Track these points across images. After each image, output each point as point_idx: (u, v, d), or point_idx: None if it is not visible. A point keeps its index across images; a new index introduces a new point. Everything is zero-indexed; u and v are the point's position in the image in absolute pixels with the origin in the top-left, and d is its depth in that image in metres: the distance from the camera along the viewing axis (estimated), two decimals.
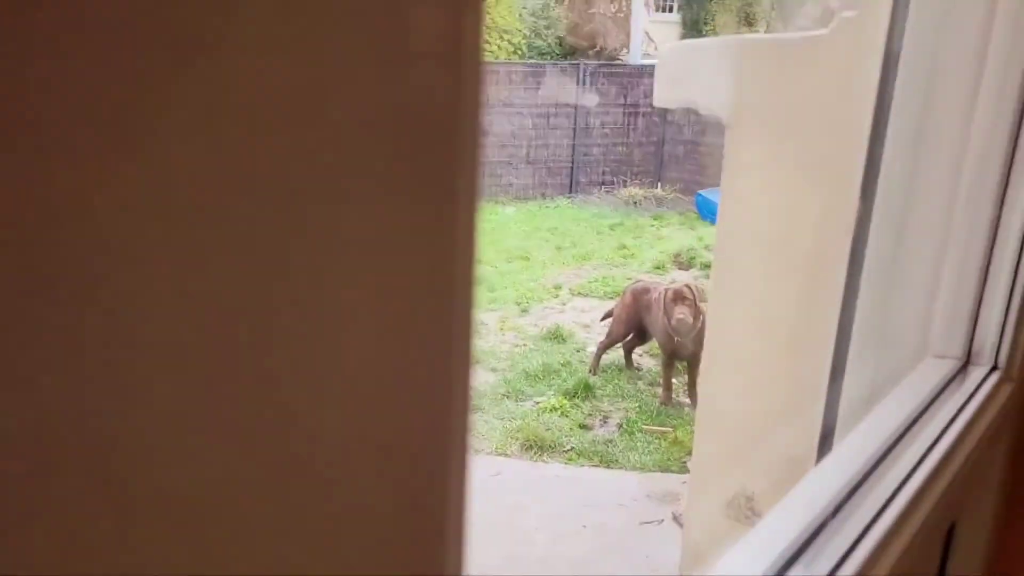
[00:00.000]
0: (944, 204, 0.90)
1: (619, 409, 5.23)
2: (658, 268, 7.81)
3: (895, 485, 0.66)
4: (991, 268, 0.84)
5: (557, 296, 7.13)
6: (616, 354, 5.82)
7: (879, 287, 0.95)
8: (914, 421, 0.76)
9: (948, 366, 0.86)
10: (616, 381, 5.52)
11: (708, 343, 1.22)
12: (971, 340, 0.88)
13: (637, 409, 5.21)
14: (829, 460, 0.71)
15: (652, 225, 9.43)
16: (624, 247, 8.53)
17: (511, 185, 10.53)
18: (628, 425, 4.89)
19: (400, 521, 0.24)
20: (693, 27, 13.56)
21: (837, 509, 0.63)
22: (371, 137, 0.20)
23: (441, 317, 0.24)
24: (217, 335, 0.18)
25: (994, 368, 0.87)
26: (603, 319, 6.08)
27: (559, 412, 5.03)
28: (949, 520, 0.82)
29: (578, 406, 5.14)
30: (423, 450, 0.24)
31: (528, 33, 12.34)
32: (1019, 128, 0.82)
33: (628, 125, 10.85)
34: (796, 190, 1.12)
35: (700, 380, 1.20)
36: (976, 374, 0.85)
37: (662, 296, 5.25)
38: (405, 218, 0.21)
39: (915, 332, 0.91)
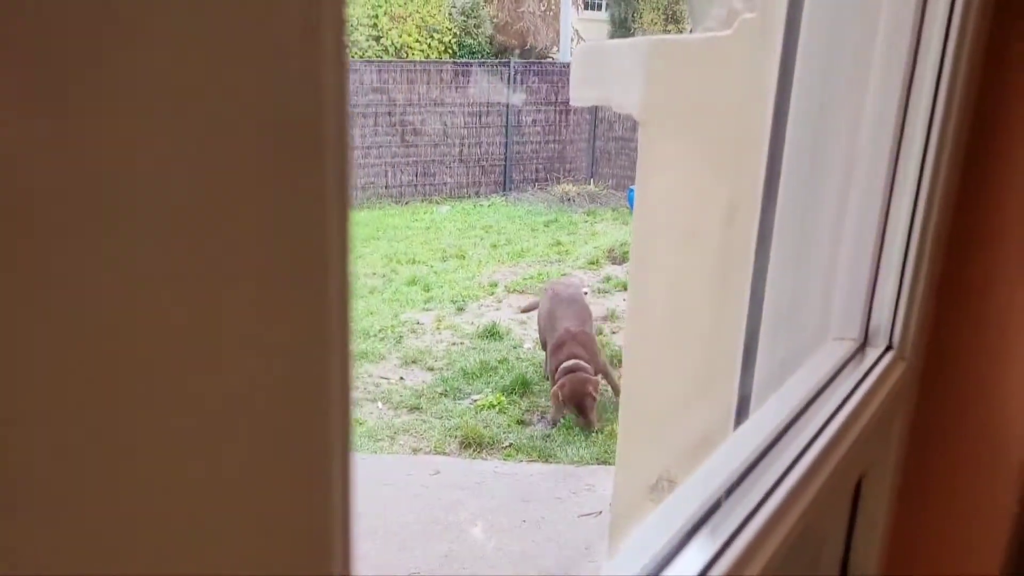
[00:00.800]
0: (839, 198, 0.95)
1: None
2: (592, 263, 7.89)
3: (801, 447, 0.71)
4: (882, 257, 0.90)
5: (493, 294, 7.16)
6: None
7: (784, 276, 1.00)
8: (817, 395, 0.81)
9: (847, 347, 0.91)
10: None
11: (628, 334, 1.26)
12: (867, 323, 0.93)
13: None
14: (738, 433, 0.75)
15: (586, 221, 9.53)
16: (559, 243, 8.60)
17: (445, 184, 10.52)
18: (566, 421, 4.93)
19: (284, 521, 0.24)
20: (622, 25, 13.74)
21: (747, 473, 0.68)
22: (234, 133, 0.21)
23: (316, 312, 0.25)
24: (94, 335, 0.19)
25: (888, 348, 0.92)
26: (524, 311, 6.11)
27: (497, 409, 5.05)
28: (856, 475, 0.88)
29: (516, 402, 5.17)
30: (304, 450, 0.25)
31: (458, 32, 12.34)
32: (903, 125, 0.87)
33: (559, 123, 10.95)
34: (705, 184, 1.16)
35: (623, 371, 1.24)
36: (872, 354, 0.91)
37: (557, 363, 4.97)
38: (274, 217, 0.22)
39: (818, 317, 0.96)
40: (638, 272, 1.20)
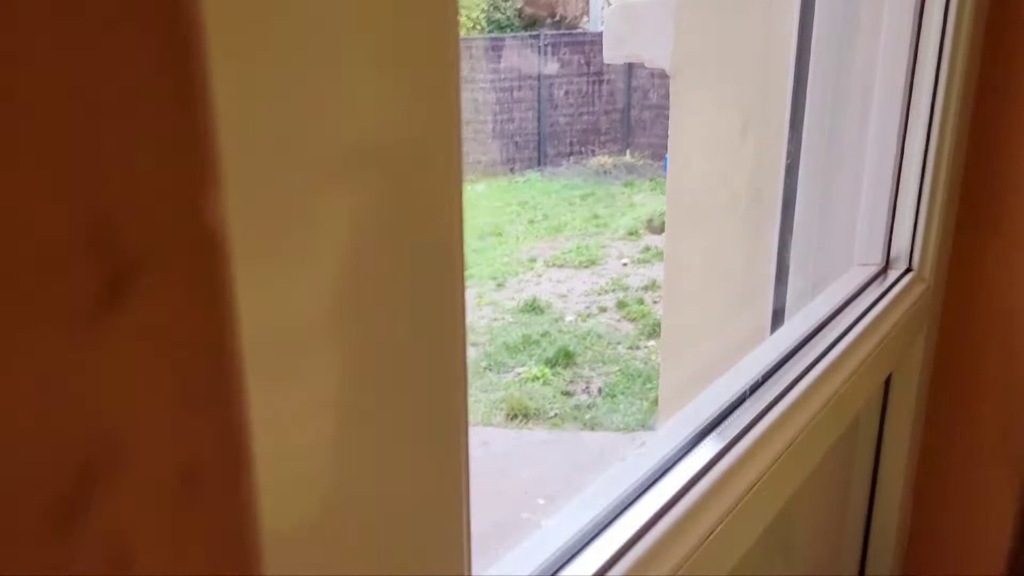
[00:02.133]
0: (859, 131, 0.99)
1: (600, 374, 5.31)
2: (631, 234, 7.88)
3: (830, 342, 0.78)
4: (900, 185, 0.94)
5: (532, 269, 7.19)
6: (594, 322, 5.91)
7: (811, 210, 1.04)
8: (844, 306, 0.87)
9: (870, 271, 0.96)
10: (596, 348, 5.62)
11: (667, 275, 1.31)
12: (888, 249, 0.98)
13: (618, 373, 5.30)
14: (773, 337, 0.81)
15: (623, 192, 9.48)
16: (596, 216, 8.59)
17: (479, 162, 10.53)
18: (610, 389, 4.97)
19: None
20: None
21: (781, 364, 0.74)
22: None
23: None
24: None
25: (908, 270, 0.97)
26: None
27: (541, 381, 5.12)
28: (884, 371, 0.94)
29: (559, 374, 5.23)
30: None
31: (486, 7, 12.31)
32: (916, 47, 0.91)
33: (593, 93, 10.87)
34: (735, 129, 1.20)
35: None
36: (893, 275, 0.95)
37: None
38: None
39: (843, 246, 1.01)
40: (673, 216, 1.25)
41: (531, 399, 5.02)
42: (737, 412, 0.69)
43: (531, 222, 8.53)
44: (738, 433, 0.66)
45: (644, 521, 0.54)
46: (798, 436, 0.69)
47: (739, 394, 0.70)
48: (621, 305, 6.27)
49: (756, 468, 0.63)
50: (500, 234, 8.16)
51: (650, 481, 0.59)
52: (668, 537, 0.54)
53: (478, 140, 10.48)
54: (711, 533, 0.57)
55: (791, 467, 0.69)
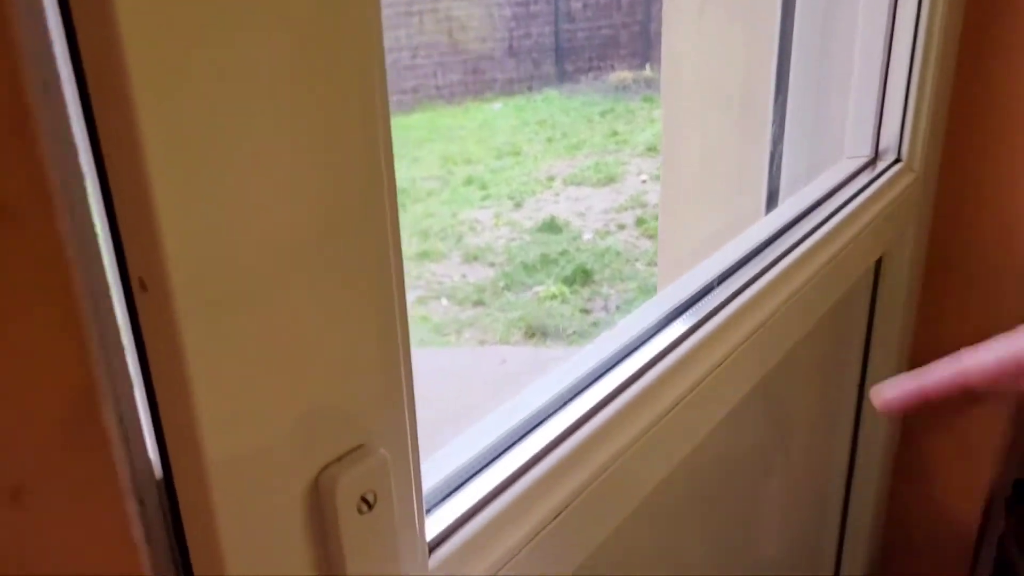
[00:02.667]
0: (849, 27, 0.97)
1: (618, 292, 5.33)
2: (651, 150, 7.79)
3: (818, 221, 0.79)
4: (889, 78, 0.93)
5: (550, 187, 7.15)
6: (613, 239, 5.90)
7: (802, 106, 1.03)
8: (833, 192, 0.87)
9: (859, 162, 0.96)
10: (614, 265, 5.63)
11: (664, 172, 1.31)
12: (877, 141, 0.97)
13: (636, 290, 5.32)
14: (754, 226, 0.83)
15: (643, 108, 9.33)
16: (616, 133, 8.48)
17: (496, 80, 10.38)
18: (628, 306, 4.99)
19: None
20: None
21: (771, 241, 0.76)
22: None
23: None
24: None
25: (897, 161, 0.96)
26: None
27: (559, 299, 5.15)
28: (875, 253, 0.95)
29: (577, 292, 5.25)
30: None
31: None
32: None
33: (611, 6, 10.60)
34: (726, 29, 1.18)
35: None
36: (881, 166, 0.95)
37: None
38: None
39: (834, 140, 1.00)
40: (670, 114, 1.24)
41: (549, 317, 5.06)
42: (716, 291, 0.70)
43: (549, 140, 8.45)
44: (714, 308, 0.67)
45: (609, 391, 0.56)
46: (779, 309, 0.71)
47: (719, 274, 0.71)
48: (639, 222, 6.24)
49: (732, 340, 0.65)
50: (518, 153, 8.09)
51: (623, 355, 0.61)
52: (632, 408, 0.56)
53: (494, 57, 10.29)
54: (680, 402, 0.59)
55: (773, 340, 0.71)
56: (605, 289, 5.34)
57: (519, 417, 0.52)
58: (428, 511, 0.45)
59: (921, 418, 1.25)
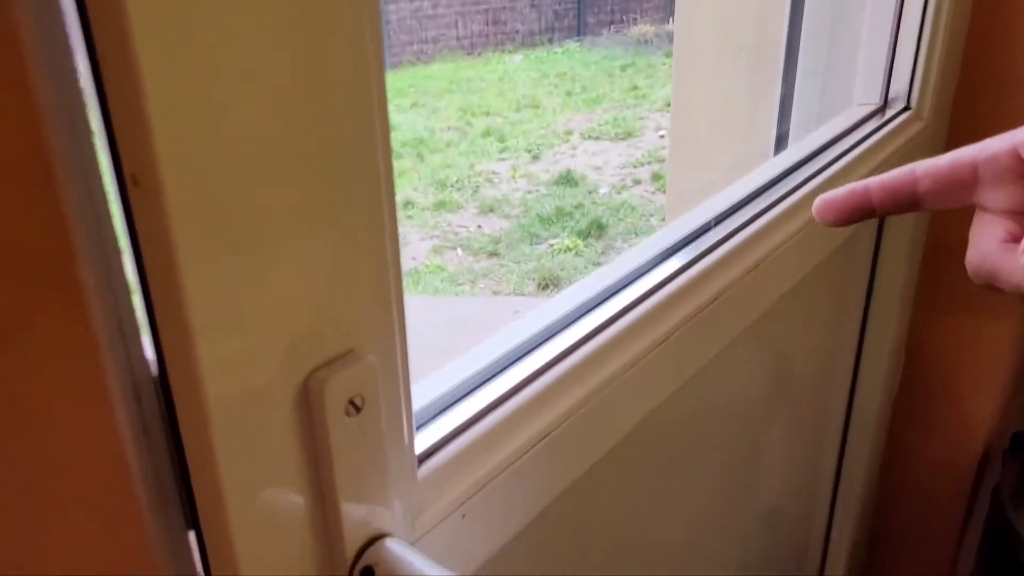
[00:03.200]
0: None
1: (632, 246, 5.32)
2: (670, 106, 7.71)
3: (823, 164, 0.79)
4: (901, 26, 0.92)
5: (568, 141, 7.11)
6: (628, 194, 5.88)
7: (814, 56, 1.03)
8: (840, 137, 0.87)
9: (867, 109, 0.95)
10: (629, 220, 5.62)
11: (673, 118, 1.31)
12: (887, 90, 0.96)
13: None
14: (759, 168, 0.83)
15: (664, 64, 9.21)
16: (636, 88, 8.40)
17: (517, 32, 10.26)
18: None
19: None
20: None
21: (777, 180, 0.76)
22: None
23: None
24: None
25: (906, 109, 0.96)
26: None
27: (573, 252, 5.15)
28: None
29: (592, 245, 5.25)
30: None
31: None
32: None
33: None
34: None
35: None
36: (890, 113, 0.95)
37: None
38: None
39: (843, 88, 1.00)
40: (681, 58, 1.23)
41: (563, 270, 5.07)
42: (715, 230, 0.71)
43: (568, 94, 8.38)
44: (711, 246, 0.68)
45: (602, 321, 0.57)
46: (778, 249, 0.71)
47: (720, 213, 0.72)
48: (655, 177, 6.21)
49: (729, 277, 0.66)
50: (537, 106, 8.04)
51: (618, 288, 0.62)
52: (623, 338, 0.57)
53: (515, 9, 10.17)
54: (671, 335, 0.60)
55: (771, 280, 0.72)
56: (619, 243, 5.33)
57: (514, 343, 0.54)
58: (420, 427, 0.46)
59: (921, 367, 1.26)
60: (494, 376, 0.51)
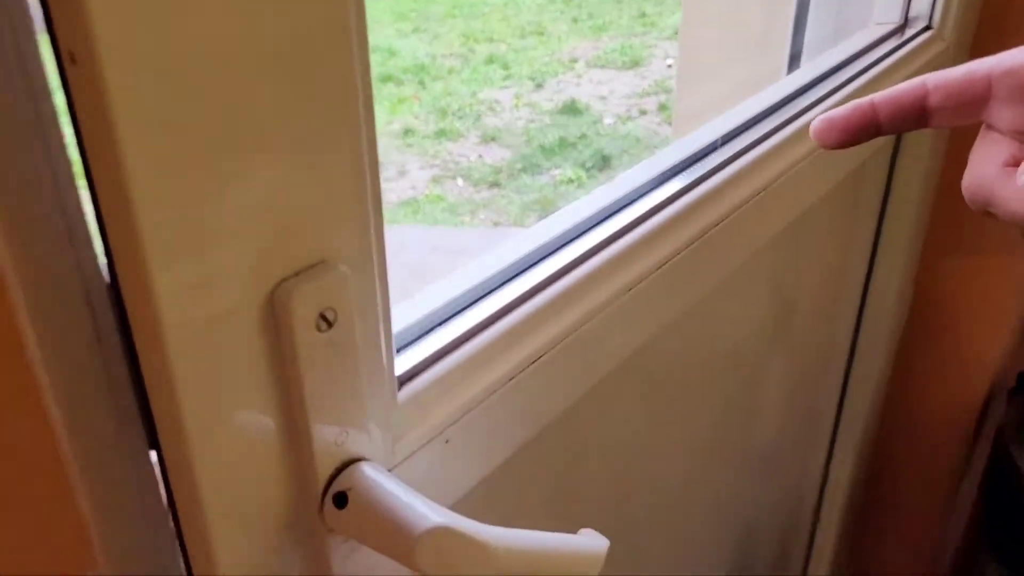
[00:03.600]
0: None
1: None
2: (678, 34, 7.55)
3: (838, 83, 0.75)
4: None
5: (573, 69, 6.98)
6: (633, 124, 5.80)
7: None
8: (855, 56, 0.83)
9: (887, 28, 0.91)
10: (634, 151, 5.54)
11: (683, 28, 1.26)
12: (908, 6, 0.91)
13: None
14: (786, 78, 0.79)
15: None
16: (644, 15, 8.21)
17: None
18: None
19: None
20: None
21: (789, 99, 0.73)
22: None
23: None
24: None
25: (927, 28, 0.91)
26: None
27: (576, 184, 5.10)
28: None
29: (595, 177, 5.20)
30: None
31: None
32: None
33: None
34: None
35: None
36: (910, 33, 0.90)
37: None
38: None
39: (861, 6, 0.95)
40: None
41: (565, 201, 5.02)
42: (737, 139, 0.68)
43: (575, 20, 8.19)
44: (716, 166, 0.65)
45: (597, 243, 0.54)
46: (789, 169, 0.68)
47: (726, 133, 0.69)
48: (662, 108, 6.12)
49: (733, 201, 0.63)
50: (542, 33, 7.87)
51: (615, 208, 0.59)
52: (618, 261, 0.54)
53: None
54: (671, 260, 0.57)
55: (778, 204, 0.69)
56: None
57: (505, 263, 0.51)
58: (402, 349, 0.44)
59: (928, 301, 1.23)
60: (482, 297, 0.48)
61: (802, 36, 0.95)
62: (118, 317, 0.30)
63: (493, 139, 5.87)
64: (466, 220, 5.07)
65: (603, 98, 6.30)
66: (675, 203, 0.59)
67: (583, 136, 5.78)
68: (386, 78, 6.69)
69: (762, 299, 0.85)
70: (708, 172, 0.62)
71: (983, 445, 1.31)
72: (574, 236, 0.54)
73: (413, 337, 0.45)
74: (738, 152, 0.64)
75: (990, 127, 0.45)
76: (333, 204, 0.32)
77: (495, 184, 5.37)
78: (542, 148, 5.66)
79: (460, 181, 5.43)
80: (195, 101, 0.27)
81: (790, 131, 0.68)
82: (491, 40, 7.67)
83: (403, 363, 0.43)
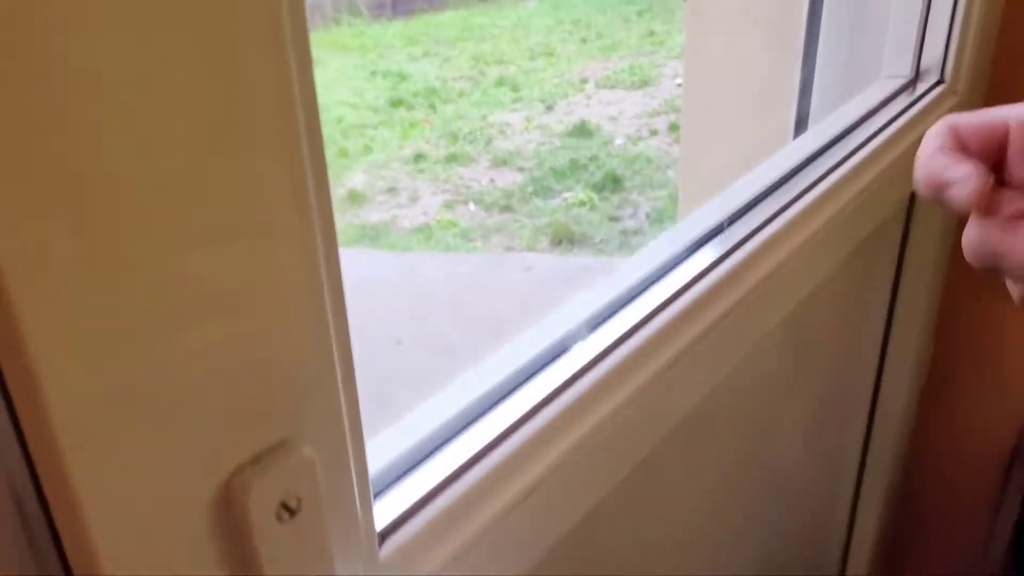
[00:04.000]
0: None
1: (649, 199, 5.24)
2: (682, 72, 7.54)
3: (849, 151, 0.72)
4: None
5: (583, 90, 6.98)
6: (645, 145, 5.77)
7: (839, 23, 0.94)
8: (865, 117, 0.80)
9: (897, 83, 0.87)
10: (645, 172, 5.51)
11: (686, 85, 1.23)
12: (918, 61, 0.88)
13: (667, 198, 5.22)
14: (786, 148, 0.76)
15: (682, 7, 9.00)
16: (653, 34, 8.21)
17: None
18: (658, 214, 4.91)
19: None
20: None
21: (796, 172, 0.69)
22: None
23: None
24: None
25: (940, 82, 0.88)
26: None
27: (588, 206, 5.07)
28: (907, 189, 0.88)
29: (607, 199, 5.17)
30: None
31: None
32: None
33: None
34: None
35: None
36: (922, 87, 0.87)
37: None
38: None
39: (871, 60, 0.92)
40: (694, 21, 1.15)
41: (577, 224, 5.01)
42: (746, 217, 0.65)
43: (583, 41, 8.19)
44: (744, 237, 0.62)
45: (642, 316, 0.51)
46: (809, 240, 0.65)
47: (749, 200, 0.66)
48: (673, 128, 6.10)
49: (761, 271, 0.60)
50: (551, 54, 7.87)
51: (648, 282, 0.56)
52: (665, 332, 0.51)
53: None
54: (708, 332, 0.54)
55: (799, 273, 0.66)
56: (635, 196, 5.24)
57: (497, 379, 0.48)
58: (381, 493, 0.41)
59: (951, 354, 1.19)
60: (470, 424, 0.45)
61: (810, 89, 0.91)
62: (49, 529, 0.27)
63: (504, 162, 5.86)
64: (478, 245, 5.06)
65: (613, 119, 6.29)
66: (686, 294, 0.56)
67: (594, 157, 5.77)
68: (397, 102, 6.71)
69: (781, 354, 0.82)
70: (718, 258, 0.59)
71: (1011, 499, 1.27)
72: (576, 339, 0.51)
73: (394, 477, 0.42)
74: (749, 233, 0.61)
75: (1000, 183, 0.41)
76: (296, 375, 0.29)
77: (507, 208, 5.36)
78: (553, 171, 5.65)
79: (472, 206, 5.43)
80: (110, 220, 0.24)
81: (805, 204, 0.65)
82: (501, 62, 7.69)
83: (384, 512, 0.40)
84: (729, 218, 0.62)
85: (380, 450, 0.41)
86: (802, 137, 0.77)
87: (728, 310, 0.56)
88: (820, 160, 0.71)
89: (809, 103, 0.94)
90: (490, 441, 0.44)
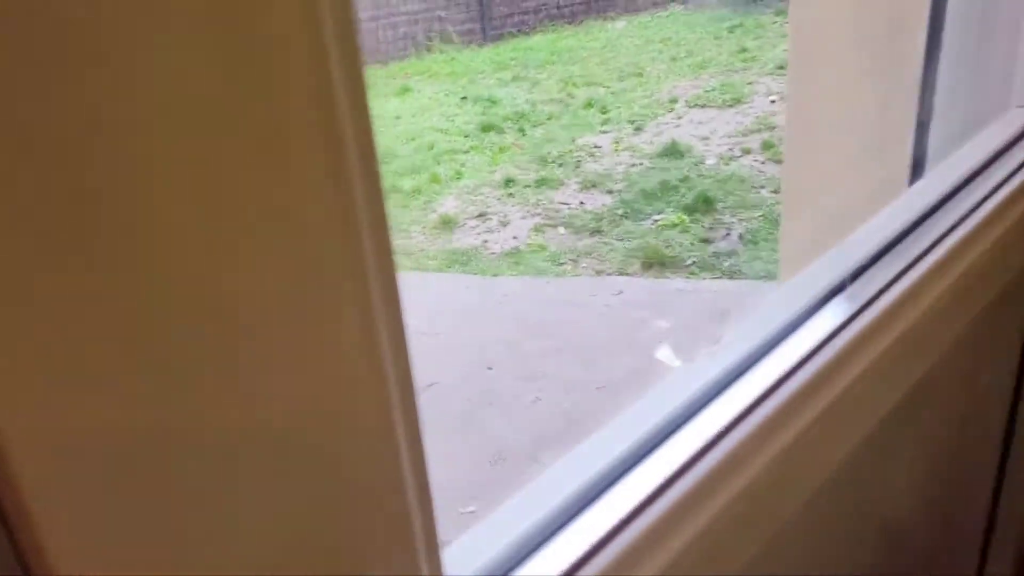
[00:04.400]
0: None
1: (742, 220, 5.11)
2: (781, 68, 7.35)
3: (976, 202, 0.65)
4: None
5: (673, 110, 6.89)
6: (737, 164, 5.65)
7: (961, 47, 0.87)
8: (995, 157, 0.72)
9: None
10: (738, 192, 5.39)
11: (789, 118, 1.16)
12: None
13: (761, 218, 5.09)
14: (908, 193, 0.69)
15: (774, 22, 8.80)
16: (744, 50, 8.06)
17: None
18: (752, 236, 4.78)
19: None
20: None
21: (917, 224, 0.64)
22: None
23: None
24: None
25: None
26: None
27: (679, 228, 4.98)
28: None
29: (698, 220, 5.07)
30: None
31: None
32: None
33: None
34: None
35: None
36: None
37: None
38: None
39: (999, 87, 0.84)
40: (797, 44, 1.08)
41: (668, 247, 4.92)
42: (867, 274, 0.59)
43: (673, 59, 8.10)
44: (870, 298, 0.56)
45: (775, 378, 0.46)
46: (935, 304, 0.59)
47: (870, 255, 0.60)
48: (767, 146, 5.95)
49: (889, 335, 0.54)
50: (640, 74, 7.81)
51: (774, 342, 0.51)
52: (801, 395, 0.46)
53: None
54: (836, 401, 0.49)
55: (927, 336, 0.59)
56: (728, 218, 5.12)
57: (588, 474, 0.43)
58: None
59: None
60: (566, 524, 0.41)
61: (927, 135, 0.84)
62: None
63: (594, 185, 5.83)
64: (568, 269, 5.02)
65: (704, 138, 6.18)
66: (835, 339, 0.51)
67: (685, 178, 5.68)
68: (487, 127, 6.76)
69: (897, 456, 0.75)
70: (838, 327, 0.53)
71: None
72: (677, 425, 0.47)
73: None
74: (867, 300, 0.55)
75: None
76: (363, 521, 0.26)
77: (597, 231, 5.33)
78: (643, 193, 5.59)
79: (562, 229, 5.41)
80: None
81: (925, 267, 0.58)
82: (589, 84, 7.67)
83: None
84: (838, 285, 0.56)
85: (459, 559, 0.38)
86: (919, 184, 0.70)
87: (855, 379, 0.51)
88: (948, 206, 0.65)
89: (927, 136, 0.86)
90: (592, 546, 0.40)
